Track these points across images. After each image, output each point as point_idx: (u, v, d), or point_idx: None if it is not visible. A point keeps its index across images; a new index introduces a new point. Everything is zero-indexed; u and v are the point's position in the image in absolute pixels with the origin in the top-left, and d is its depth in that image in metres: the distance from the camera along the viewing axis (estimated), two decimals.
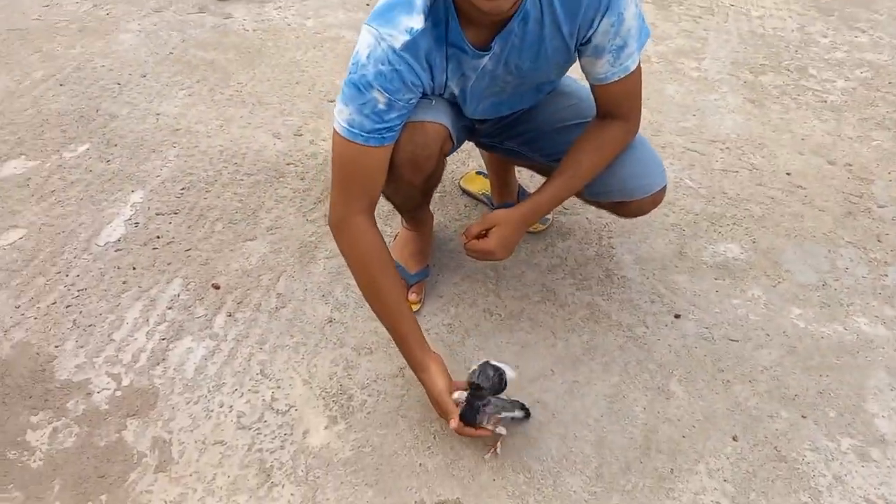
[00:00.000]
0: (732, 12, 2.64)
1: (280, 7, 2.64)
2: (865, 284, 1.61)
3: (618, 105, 1.27)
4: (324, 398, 1.36)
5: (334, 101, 2.10)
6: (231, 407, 1.34)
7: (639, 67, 1.23)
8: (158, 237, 1.70)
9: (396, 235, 1.62)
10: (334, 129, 1.18)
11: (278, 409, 1.34)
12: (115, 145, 1.97)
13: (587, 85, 1.29)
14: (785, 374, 1.42)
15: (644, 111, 2.08)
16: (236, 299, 1.55)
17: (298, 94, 2.19)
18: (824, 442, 1.30)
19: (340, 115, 1.15)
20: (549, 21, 1.15)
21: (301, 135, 2.02)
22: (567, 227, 1.73)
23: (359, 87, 1.12)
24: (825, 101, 2.19)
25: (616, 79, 1.21)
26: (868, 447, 1.30)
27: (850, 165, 1.95)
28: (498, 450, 1.26)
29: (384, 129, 1.15)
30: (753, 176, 1.90)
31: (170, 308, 1.53)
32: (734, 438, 1.30)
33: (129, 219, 1.75)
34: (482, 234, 1.27)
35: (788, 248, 1.70)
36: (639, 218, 1.54)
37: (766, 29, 2.54)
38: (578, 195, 1.42)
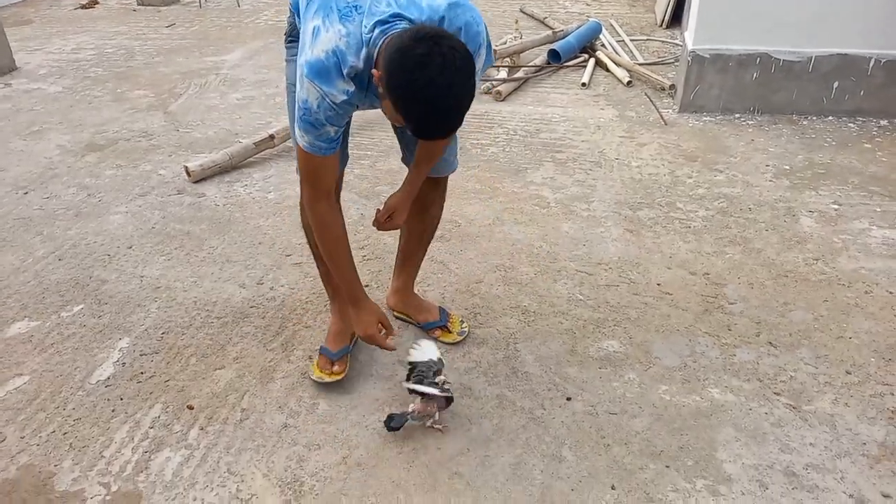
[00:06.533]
0: (616, 164, 3.25)
1: (246, 185, 3.17)
2: (718, 363, 2.00)
3: None
4: (280, 486, 1.66)
5: (291, 255, 2.57)
6: (203, 500, 1.63)
7: None
8: (142, 373, 2.04)
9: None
10: (299, 146, 1.60)
11: (242, 499, 1.63)
12: (106, 304, 2.36)
13: None
14: (653, 436, 1.77)
15: (543, 244, 2.59)
16: (207, 416, 1.87)
17: (261, 252, 2.64)
18: (683, 484, 1.63)
19: (303, 139, 1.57)
20: None
21: (262, 283, 2.44)
22: (481, 338, 2.12)
23: (315, 125, 1.53)
24: (689, 227, 2.71)
25: None
26: (717, 485, 1.63)
27: (708, 274, 2.42)
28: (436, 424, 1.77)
29: (335, 144, 1.60)
30: (630, 288, 2.35)
31: (151, 427, 1.84)
32: (612, 487, 1.62)
33: (118, 360, 2.09)
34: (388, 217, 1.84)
35: (658, 340, 2.10)
36: (539, 324, 1.97)
37: (643, 175, 3.14)
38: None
